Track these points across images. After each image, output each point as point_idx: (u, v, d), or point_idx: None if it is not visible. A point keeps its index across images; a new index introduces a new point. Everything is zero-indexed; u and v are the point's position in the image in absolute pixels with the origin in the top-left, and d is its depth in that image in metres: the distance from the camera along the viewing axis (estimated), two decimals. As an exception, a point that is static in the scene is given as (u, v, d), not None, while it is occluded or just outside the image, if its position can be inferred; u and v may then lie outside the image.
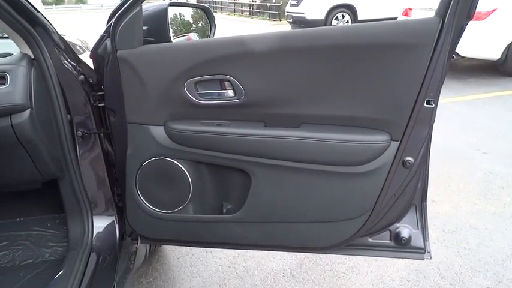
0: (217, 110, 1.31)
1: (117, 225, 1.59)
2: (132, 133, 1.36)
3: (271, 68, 1.21)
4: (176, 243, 1.56)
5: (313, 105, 1.23)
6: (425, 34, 1.09)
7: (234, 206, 1.43)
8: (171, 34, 1.66)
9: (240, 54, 1.20)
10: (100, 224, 1.57)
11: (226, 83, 1.27)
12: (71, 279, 1.32)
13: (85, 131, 1.48)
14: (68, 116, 1.43)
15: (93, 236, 1.54)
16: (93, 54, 1.39)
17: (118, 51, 1.28)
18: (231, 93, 1.27)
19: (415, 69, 1.13)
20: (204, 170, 1.38)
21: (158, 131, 1.33)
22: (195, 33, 1.87)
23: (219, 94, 1.28)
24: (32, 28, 1.26)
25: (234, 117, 1.31)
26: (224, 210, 1.44)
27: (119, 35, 1.26)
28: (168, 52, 1.26)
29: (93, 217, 1.56)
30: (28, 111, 1.26)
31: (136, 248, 1.68)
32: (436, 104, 1.18)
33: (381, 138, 1.21)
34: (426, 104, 1.17)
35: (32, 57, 1.32)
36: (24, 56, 1.31)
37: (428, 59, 1.11)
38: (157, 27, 1.41)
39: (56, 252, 1.63)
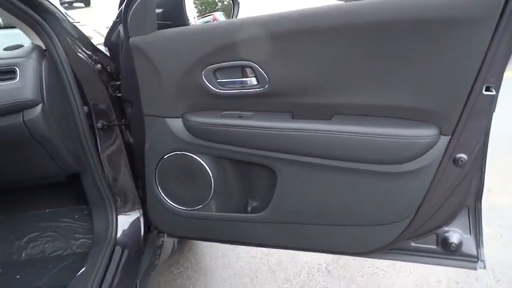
0: (239, 100, 1.18)
1: (142, 219, 1.53)
2: (149, 126, 1.27)
3: (298, 51, 1.05)
4: (198, 239, 1.49)
5: (347, 94, 1.07)
6: (486, 6, 0.88)
7: (260, 204, 1.31)
8: (196, 15, 1.53)
9: (262, 36, 1.06)
10: (125, 217, 1.52)
11: (248, 70, 1.13)
12: (92, 277, 1.28)
13: (105, 123, 1.41)
14: (86, 107, 1.37)
15: (118, 230, 1.49)
16: (108, 42, 1.30)
17: (130, 38, 1.17)
18: (253, 81, 1.13)
19: (472, 49, 0.93)
20: (227, 165, 1.27)
21: (176, 124, 1.23)
22: (221, 12, 1.73)
23: (241, 82, 1.15)
24: (40, 17, 1.18)
25: (258, 108, 1.18)
26: (249, 208, 1.33)
27: (131, 20, 1.15)
28: (183, 37, 1.14)
29: (118, 210, 1.52)
30: (40, 106, 1.21)
31: (163, 241, 1.63)
32: (498, 91, 0.98)
33: (427, 132, 1.03)
34: (485, 91, 0.97)
35: (44, 48, 1.25)
36: (35, 47, 1.25)
37: (490, 36, 0.90)
38: (173, 8, 1.29)
39: (84, 244, 1.61)
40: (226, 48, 1.10)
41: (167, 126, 1.23)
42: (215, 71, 1.14)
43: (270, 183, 1.24)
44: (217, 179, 1.27)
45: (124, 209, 1.52)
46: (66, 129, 1.32)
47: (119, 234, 1.49)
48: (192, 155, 1.25)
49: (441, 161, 1.07)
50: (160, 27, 1.20)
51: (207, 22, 1.72)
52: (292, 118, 1.15)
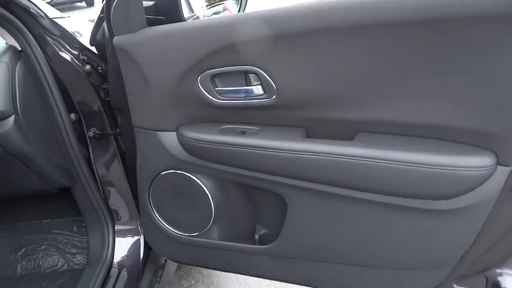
0: (242, 112, 0.97)
1: (142, 236, 1.38)
2: (140, 139, 1.09)
3: (314, 54, 0.83)
4: (201, 266, 1.32)
5: (374, 108, 0.84)
6: None
7: (270, 232, 1.12)
8: (204, 4, 1.32)
9: (270, 36, 0.84)
10: (123, 234, 1.37)
11: (253, 77, 0.92)
12: None
13: (97, 131, 1.24)
14: (74, 115, 1.20)
15: (114, 249, 1.34)
16: (93, 41, 1.12)
17: (114, 38, 0.99)
18: (259, 90, 0.92)
19: None
20: (229, 187, 1.08)
21: (170, 139, 1.04)
22: (233, 1, 1.51)
23: (244, 92, 0.94)
24: (10, 13, 1.01)
25: (264, 122, 0.97)
26: (257, 236, 1.14)
27: (114, 15, 0.96)
28: (175, 36, 0.94)
29: (115, 226, 1.37)
30: (12, 118, 1.05)
31: (166, 260, 1.47)
32: None
33: (481, 161, 0.78)
34: None
35: (20, 49, 1.09)
36: (8, 48, 1.09)
37: None
38: (167, 0, 1.08)
39: (82, 260, 1.48)
40: (226, 50, 0.89)
41: (159, 141, 1.05)
42: (213, 77, 0.94)
43: (280, 209, 1.04)
44: (218, 202, 1.08)
45: (122, 224, 1.37)
46: (49, 141, 1.17)
47: (115, 253, 1.34)
48: (189, 175, 1.06)
49: (498, 196, 0.82)
50: (152, 23, 1.01)
51: (217, 12, 1.50)
52: (307, 135, 0.94)
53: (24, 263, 1.49)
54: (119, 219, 1.36)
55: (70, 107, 1.19)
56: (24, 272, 1.47)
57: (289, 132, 0.94)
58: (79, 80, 1.17)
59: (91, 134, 1.25)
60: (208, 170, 1.04)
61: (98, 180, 1.31)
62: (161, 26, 0.97)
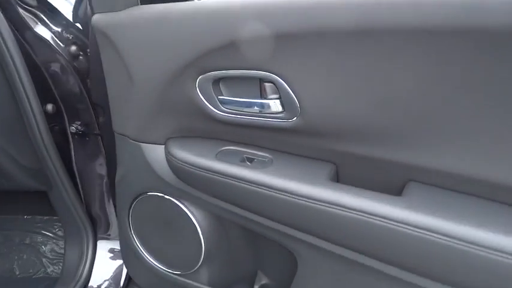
0: (251, 132, 0.72)
1: None
2: (121, 149, 0.86)
3: (359, 63, 0.56)
4: None
5: (441, 149, 0.57)
6: None
7: (272, 285, 0.87)
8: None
9: (299, 33, 0.58)
10: (104, 250, 1.17)
11: (270, 87, 0.66)
12: None
13: (80, 127, 1.02)
14: (51, 106, 0.99)
15: (93, 267, 1.14)
16: (75, 18, 0.89)
17: (94, 16, 0.75)
18: (276, 105, 0.66)
19: None
20: (225, 224, 0.83)
21: (156, 155, 0.80)
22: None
23: (256, 105, 0.68)
24: None
25: (280, 148, 0.72)
26: (256, 287, 0.90)
27: None
28: (170, 20, 0.68)
29: (97, 240, 1.16)
30: None
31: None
32: None
33: None
34: None
35: None
36: None
37: None
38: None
39: (59, 269, 1.29)
40: (235, 46, 0.63)
41: (143, 155, 0.81)
42: (217, 81, 0.69)
43: (289, 263, 0.79)
44: (211, 239, 0.84)
45: (104, 239, 1.16)
46: (16, 139, 0.96)
47: (94, 272, 1.14)
48: (176, 202, 0.83)
49: None
50: (147, 1, 0.76)
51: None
52: (336, 175, 0.68)
53: (1, 262, 1.32)
54: (102, 232, 1.16)
55: (47, 96, 0.97)
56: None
57: (312, 168, 0.68)
58: (60, 63, 0.94)
59: (73, 129, 1.04)
60: (200, 202, 0.79)
61: (78, 184, 1.10)
62: (157, 5, 0.72)
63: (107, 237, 1.15)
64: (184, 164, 0.74)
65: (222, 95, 0.70)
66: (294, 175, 0.66)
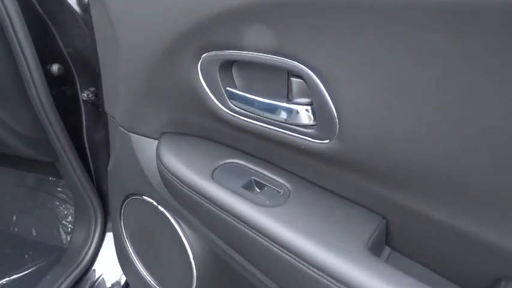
0: (268, 146, 0.49)
1: None
2: (112, 133, 0.68)
3: (436, 60, 0.30)
4: None
5: None
6: None
7: None
8: None
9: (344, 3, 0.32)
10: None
11: (299, 86, 0.42)
12: None
13: (90, 95, 0.87)
14: (57, 66, 0.83)
15: (98, 252, 1.02)
16: None
17: None
18: (306, 114, 0.42)
19: None
20: (221, 259, 0.62)
21: (146, 152, 0.61)
22: None
23: (278, 110, 0.45)
24: None
25: (305, 175, 0.48)
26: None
27: None
28: None
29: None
30: None
31: None
32: None
33: None
34: None
35: None
36: None
37: None
38: None
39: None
40: (255, 14, 0.39)
41: (131, 149, 0.62)
42: (227, 65, 0.47)
43: None
44: (203, 266, 0.64)
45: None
46: (12, 104, 0.82)
47: (99, 257, 1.02)
48: (166, 213, 0.63)
49: None
50: None
51: None
52: (386, 237, 0.43)
53: (20, 220, 1.27)
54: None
55: (54, 54, 0.82)
56: (16, 230, 1.25)
57: (348, 220, 0.44)
58: (69, 16, 0.77)
59: (84, 96, 0.88)
60: (194, 224, 0.59)
61: (88, 158, 0.96)
62: None
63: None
64: (173, 178, 0.53)
65: (233, 87, 0.48)
66: (319, 231, 0.42)
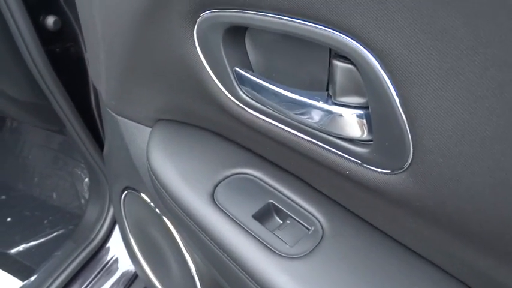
0: (293, 156, 0.33)
1: None
2: (103, 111, 0.54)
3: None
4: None
5: None
6: None
7: None
8: None
9: None
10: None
11: (343, 69, 0.25)
12: None
13: None
14: (52, 19, 0.69)
15: (113, 227, 0.93)
16: None
17: None
18: (352, 122, 0.26)
19: None
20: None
21: (139, 144, 0.46)
22: None
23: (310, 110, 0.28)
24: None
25: (348, 204, 0.32)
26: None
27: None
28: None
29: None
30: None
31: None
32: None
33: None
34: None
35: None
36: None
37: None
38: None
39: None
40: None
41: (120, 135, 0.48)
42: (236, 32, 0.30)
43: None
44: (207, 281, 0.51)
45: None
46: (7, 68, 0.70)
47: (113, 234, 0.93)
48: (167, 222, 0.50)
49: None
50: None
51: None
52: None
53: (42, 182, 1.21)
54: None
55: (48, 4, 0.67)
56: (38, 192, 1.20)
57: (414, 281, 0.28)
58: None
59: (91, 56, 0.74)
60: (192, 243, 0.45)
61: (99, 128, 0.84)
62: None
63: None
64: (162, 190, 0.39)
65: (244, 67, 0.32)
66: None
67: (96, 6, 0.37)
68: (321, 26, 0.23)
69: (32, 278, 0.84)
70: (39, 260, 0.94)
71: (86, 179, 1.17)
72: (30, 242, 1.04)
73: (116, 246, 0.92)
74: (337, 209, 0.33)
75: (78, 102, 0.78)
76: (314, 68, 0.29)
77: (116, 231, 0.94)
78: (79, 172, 1.18)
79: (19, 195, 1.21)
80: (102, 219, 0.92)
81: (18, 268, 0.95)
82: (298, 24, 0.24)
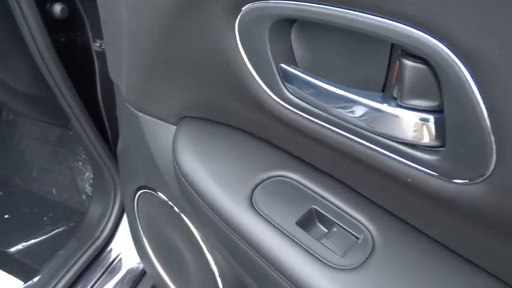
0: (342, 161, 0.31)
1: None
2: (120, 105, 0.51)
3: None
4: None
5: None
6: None
7: None
8: None
9: None
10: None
11: (413, 69, 0.23)
12: None
13: (103, 45, 0.70)
14: (59, 6, 0.66)
15: (117, 226, 0.91)
16: None
17: None
18: (421, 127, 0.23)
19: None
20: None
21: (161, 142, 0.44)
22: None
23: (370, 113, 0.26)
24: None
25: (404, 214, 0.30)
26: None
27: None
28: None
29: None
30: None
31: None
32: None
33: None
34: None
35: None
36: None
37: None
38: None
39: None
40: None
41: (141, 132, 0.45)
42: (284, 26, 0.27)
43: None
44: (228, 279, 0.49)
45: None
46: (7, 57, 0.67)
47: (117, 234, 0.91)
48: (188, 223, 0.48)
49: None
50: None
51: None
52: None
53: (40, 177, 1.17)
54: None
55: None
56: (36, 187, 1.16)
57: None
58: None
59: (97, 46, 0.71)
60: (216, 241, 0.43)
61: (105, 122, 0.81)
62: None
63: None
64: (192, 191, 0.36)
65: (291, 63, 0.29)
66: None
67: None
68: (396, 21, 0.21)
69: (36, 279, 0.82)
70: (40, 259, 0.91)
71: (87, 174, 1.13)
72: (30, 240, 1.01)
73: (120, 244, 0.90)
74: (386, 216, 0.31)
75: (84, 95, 0.75)
76: (370, 66, 0.27)
77: (121, 229, 0.91)
78: (79, 166, 1.14)
79: (17, 190, 1.17)
80: (107, 217, 0.89)
81: (19, 268, 0.92)
82: (370, 21, 0.22)
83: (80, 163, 1.14)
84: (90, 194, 1.10)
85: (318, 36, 0.28)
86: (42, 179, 1.17)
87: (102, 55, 0.73)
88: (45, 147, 1.20)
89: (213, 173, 0.35)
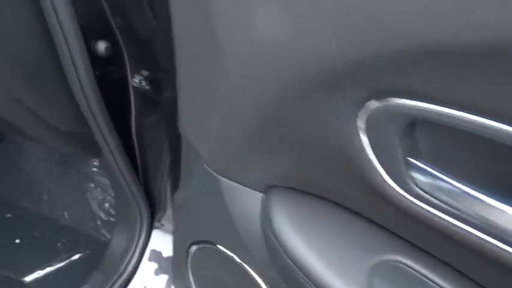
0: (466, 255, 0.30)
1: None
2: (188, 160, 0.50)
3: None
4: None
5: None
6: None
7: None
8: None
9: None
10: (159, 244, 0.88)
11: None
12: None
13: (143, 82, 0.69)
14: (104, 44, 0.64)
15: (141, 258, 0.88)
16: None
17: None
18: None
19: None
20: None
21: (245, 208, 0.43)
22: None
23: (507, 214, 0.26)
24: None
25: None
26: None
27: None
28: None
29: (155, 231, 0.89)
30: None
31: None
32: None
33: None
34: None
35: None
36: None
37: None
38: None
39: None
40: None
41: (220, 197, 0.44)
42: (414, 124, 0.27)
43: None
44: None
45: (156, 228, 0.88)
46: (46, 93, 0.65)
47: (141, 268, 0.88)
48: (245, 266, 0.47)
49: None
50: None
51: None
52: None
53: (51, 200, 1.13)
54: (161, 222, 0.87)
55: (99, 28, 0.62)
56: (47, 211, 1.12)
57: None
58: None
59: (136, 82, 0.70)
60: None
61: (136, 155, 0.79)
62: None
63: (159, 227, 0.87)
64: (294, 266, 0.36)
65: (417, 156, 0.29)
66: None
67: (228, 62, 0.33)
68: None
69: None
70: (58, 290, 0.88)
71: (100, 197, 1.10)
72: (45, 267, 0.98)
73: (144, 280, 0.87)
74: None
75: (117, 128, 0.73)
76: (507, 168, 0.27)
77: (144, 264, 0.89)
78: (93, 190, 1.11)
79: (26, 213, 1.13)
80: (132, 249, 0.87)
81: (39, 300, 0.89)
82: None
83: (92, 184, 1.11)
84: (104, 218, 1.08)
85: (446, 132, 0.28)
86: (52, 201, 1.13)
87: (139, 91, 0.72)
88: (54, 168, 1.16)
89: (319, 250, 0.34)
